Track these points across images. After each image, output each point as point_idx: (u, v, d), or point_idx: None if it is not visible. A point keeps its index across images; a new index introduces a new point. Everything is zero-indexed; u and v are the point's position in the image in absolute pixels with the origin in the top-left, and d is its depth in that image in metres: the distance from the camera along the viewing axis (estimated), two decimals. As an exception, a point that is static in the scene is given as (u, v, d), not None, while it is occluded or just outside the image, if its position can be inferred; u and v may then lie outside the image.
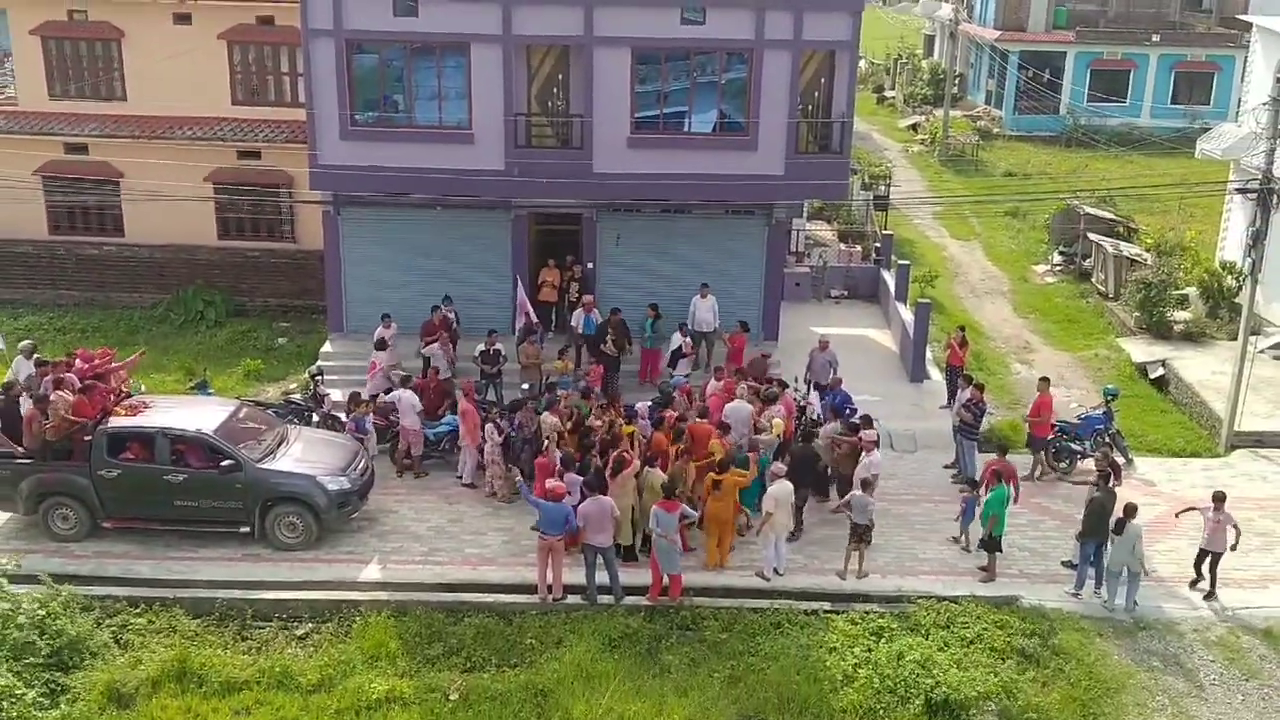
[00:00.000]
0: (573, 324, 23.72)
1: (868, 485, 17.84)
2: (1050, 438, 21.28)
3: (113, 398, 18.99)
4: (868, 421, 19.28)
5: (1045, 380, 21.65)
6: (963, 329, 24.16)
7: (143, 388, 21.20)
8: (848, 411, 20.21)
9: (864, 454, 18.40)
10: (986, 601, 17.17)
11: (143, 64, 28.01)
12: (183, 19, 27.65)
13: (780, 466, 17.89)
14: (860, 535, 17.74)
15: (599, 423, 19.12)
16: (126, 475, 17.99)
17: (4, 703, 13.94)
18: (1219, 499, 17.35)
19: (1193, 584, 17.81)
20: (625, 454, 17.78)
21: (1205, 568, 17.63)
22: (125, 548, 18.24)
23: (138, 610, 16.59)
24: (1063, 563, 18.29)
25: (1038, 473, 21.10)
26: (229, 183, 28.03)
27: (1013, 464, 18.62)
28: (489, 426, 19.61)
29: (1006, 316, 31.09)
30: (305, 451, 18.88)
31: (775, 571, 17.73)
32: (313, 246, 27.32)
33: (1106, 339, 28.70)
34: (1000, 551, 17.87)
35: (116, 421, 18.32)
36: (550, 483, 17.14)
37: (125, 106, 28.26)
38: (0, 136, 28.09)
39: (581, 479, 17.61)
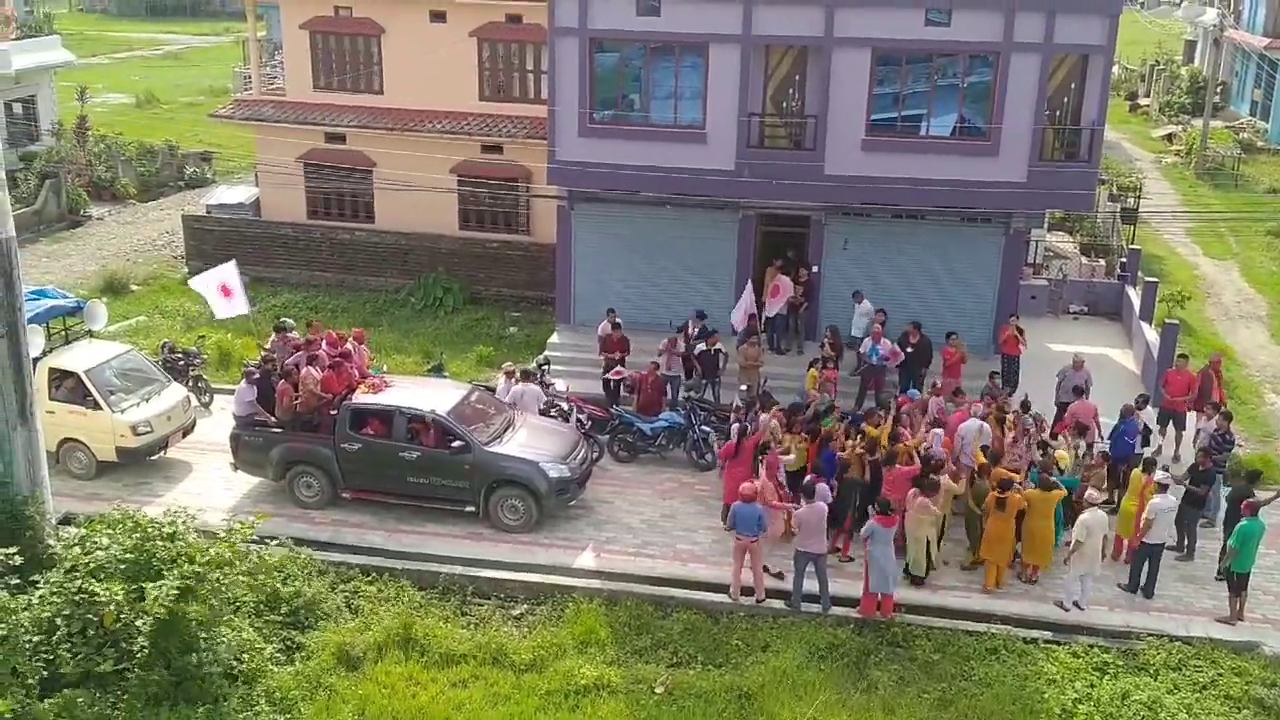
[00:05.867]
0: (861, 350, 22.76)
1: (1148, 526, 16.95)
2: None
3: (358, 375, 20.12)
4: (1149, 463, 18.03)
5: (1183, 357, 22.09)
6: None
7: (385, 368, 22.36)
8: (1131, 454, 19.05)
9: (1155, 495, 17.06)
10: (1224, 645, 16.09)
11: (399, 59, 29.47)
12: (438, 16, 28.89)
13: (1095, 494, 17.11)
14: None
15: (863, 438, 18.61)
16: (366, 449, 18.96)
17: (245, 655, 14.89)
18: None
19: None
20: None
21: None
22: (361, 518, 19.21)
23: (369, 578, 17.41)
24: None
25: (1175, 451, 20.64)
26: (472, 175, 29.16)
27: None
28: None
29: (1263, 343, 28.94)
30: (530, 438, 19.42)
31: (1076, 605, 16.96)
32: (545, 240, 28.11)
33: (1378, 373, 26.37)
34: (1243, 592, 16.70)
35: (360, 398, 19.35)
36: (744, 486, 16.98)
37: (381, 99, 29.78)
38: (269, 125, 30.19)
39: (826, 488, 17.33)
